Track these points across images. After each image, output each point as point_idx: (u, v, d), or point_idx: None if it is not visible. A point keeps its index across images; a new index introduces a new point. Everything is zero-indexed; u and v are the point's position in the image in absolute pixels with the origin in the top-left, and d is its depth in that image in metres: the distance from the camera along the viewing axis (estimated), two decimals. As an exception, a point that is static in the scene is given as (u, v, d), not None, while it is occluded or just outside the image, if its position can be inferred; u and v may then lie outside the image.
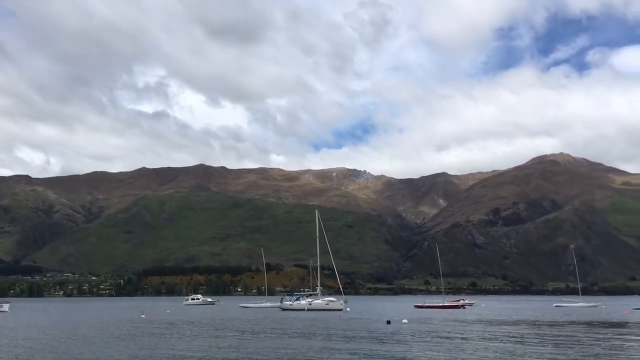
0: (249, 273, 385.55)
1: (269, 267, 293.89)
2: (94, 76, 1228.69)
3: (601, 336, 44.09)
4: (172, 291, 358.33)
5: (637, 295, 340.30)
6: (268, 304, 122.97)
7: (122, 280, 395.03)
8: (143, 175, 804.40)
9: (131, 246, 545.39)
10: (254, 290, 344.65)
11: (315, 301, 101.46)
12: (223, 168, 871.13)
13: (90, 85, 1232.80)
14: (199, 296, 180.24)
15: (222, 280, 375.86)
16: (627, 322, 64.95)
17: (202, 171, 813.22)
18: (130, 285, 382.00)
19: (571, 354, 31.13)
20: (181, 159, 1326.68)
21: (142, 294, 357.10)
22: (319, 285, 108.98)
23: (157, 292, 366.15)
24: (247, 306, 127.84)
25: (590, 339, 41.56)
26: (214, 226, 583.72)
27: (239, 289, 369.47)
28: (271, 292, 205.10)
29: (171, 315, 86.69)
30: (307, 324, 61.24)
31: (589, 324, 62.18)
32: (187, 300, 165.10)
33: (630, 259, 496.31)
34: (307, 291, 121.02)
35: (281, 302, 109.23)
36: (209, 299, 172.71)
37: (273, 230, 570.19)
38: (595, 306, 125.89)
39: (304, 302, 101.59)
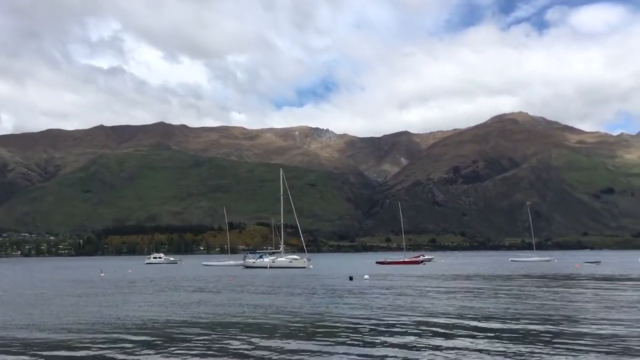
0: (211, 232, 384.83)
1: (232, 226, 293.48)
2: (45, 29, 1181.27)
3: (552, 288, 45.67)
4: (133, 251, 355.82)
5: (589, 250, 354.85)
6: (231, 262, 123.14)
7: (81, 240, 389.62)
8: (100, 133, 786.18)
9: (90, 205, 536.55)
10: (216, 249, 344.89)
11: (279, 259, 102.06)
12: (183, 126, 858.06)
13: (42, 39, 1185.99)
14: (161, 255, 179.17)
15: (184, 240, 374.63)
16: (577, 275, 67.48)
17: (162, 129, 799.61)
18: (90, 245, 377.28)
19: (523, 305, 32.10)
20: (140, 117, 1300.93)
21: (103, 254, 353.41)
22: (282, 243, 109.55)
23: (118, 252, 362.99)
24: (210, 264, 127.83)
25: (542, 291, 43.01)
26: (175, 185, 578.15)
27: (202, 248, 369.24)
28: (234, 251, 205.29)
29: (132, 274, 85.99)
30: (271, 281, 61.64)
31: (542, 277, 64.37)
32: (148, 259, 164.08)
33: (584, 215, 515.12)
34: (270, 249, 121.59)
35: (244, 260, 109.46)
36: (171, 258, 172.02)
37: (235, 189, 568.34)
38: (548, 260, 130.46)
39: (267, 260, 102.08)
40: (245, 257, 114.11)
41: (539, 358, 17.07)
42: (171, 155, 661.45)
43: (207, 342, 20.71)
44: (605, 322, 24.59)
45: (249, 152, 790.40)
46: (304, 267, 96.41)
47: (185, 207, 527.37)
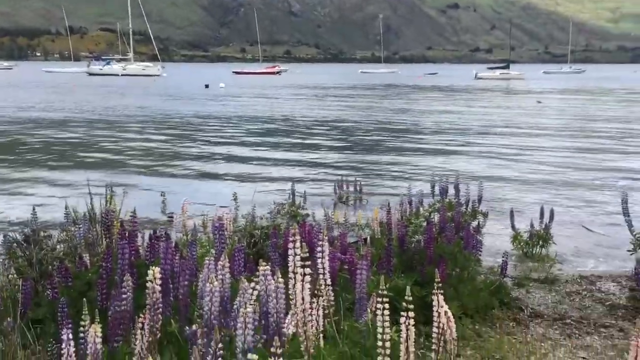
0: (49, 36, 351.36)
1: (72, 30, 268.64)
2: None
3: (395, 94, 49.99)
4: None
5: (432, 63, 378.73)
6: (75, 69, 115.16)
7: None
8: None
9: None
10: (55, 56, 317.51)
11: (130, 66, 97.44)
12: None
13: None
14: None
15: (16, 44, 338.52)
16: (419, 85, 73.52)
17: None
18: None
19: (368, 104, 35.30)
20: None
21: None
22: (131, 51, 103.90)
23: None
24: (52, 71, 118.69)
25: (387, 96, 47.04)
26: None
27: (38, 54, 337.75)
28: (76, 58, 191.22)
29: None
30: (122, 87, 59.80)
31: (388, 86, 69.35)
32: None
33: (430, 29, 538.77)
34: (117, 57, 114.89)
35: (88, 67, 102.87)
36: (5, 64, 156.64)
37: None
38: (393, 72, 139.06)
39: (116, 67, 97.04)
40: (89, 63, 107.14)
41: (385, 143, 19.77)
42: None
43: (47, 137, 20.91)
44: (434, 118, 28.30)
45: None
46: (158, 75, 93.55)
47: (14, 7, 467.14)
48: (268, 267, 2.34)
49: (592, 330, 5.09)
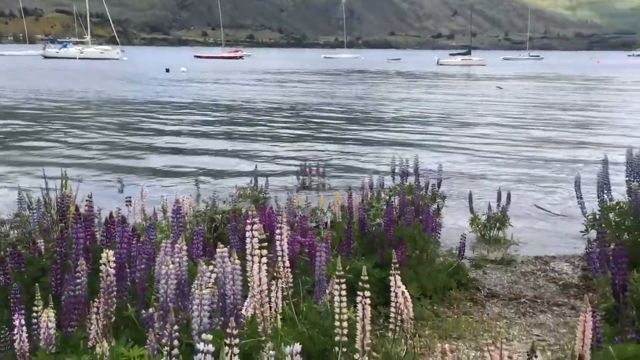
0: (2, 18, 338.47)
1: (27, 12, 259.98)
2: None
3: (359, 79, 50.14)
4: None
5: (395, 49, 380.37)
6: (30, 52, 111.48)
7: None
8: None
9: None
10: (9, 38, 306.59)
11: (87, 49, 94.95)
12: None
13: None
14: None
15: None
16: (382, 71, 73.86)
17: None
18: None
19: (331, 90, 35.35)
20: None
21: None
22: (88, 34, 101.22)
23: None
24: (5, 54, 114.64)
25: (350, 82, 47.14)
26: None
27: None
28: (31, 41, 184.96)
29: None
30: (80, 70, 58.29)
31: (351, 71, 69.45)
32: None
33: (392, 15, 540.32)
34: (73, 40, 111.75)
35: (44, 50, 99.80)
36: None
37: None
38: (356, 57, 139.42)
39: (72, 50, 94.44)
40: (45, 46, 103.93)
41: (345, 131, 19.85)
42: None
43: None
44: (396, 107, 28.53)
45: None
46: (117, 59, 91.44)
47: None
48: (225, 249, 2.34)
49: (545, 309, 5.26)
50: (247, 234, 2.34)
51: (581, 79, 57.32)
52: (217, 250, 2.34)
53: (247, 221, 2.38)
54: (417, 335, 4.56)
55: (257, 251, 2.25)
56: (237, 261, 2.28)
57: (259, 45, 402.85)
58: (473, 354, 4.24)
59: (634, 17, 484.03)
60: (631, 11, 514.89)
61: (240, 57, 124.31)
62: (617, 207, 6.06)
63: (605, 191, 6.17)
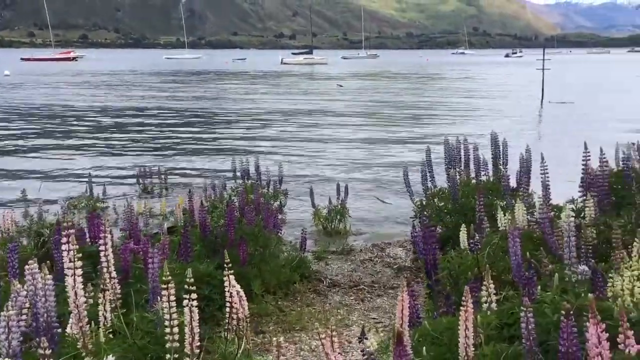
0: None
1: None
2: None
3: (199, 80, 49.45)
4: None
5: (239, 49, 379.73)
6: None
7: None
8: None
9: None
10: None
11: None
12: None
13: None
14: None
15: None
16: (225, 70, 73.41)
17: None
18: None
19: (171, 92, 34.52)
20: None
21: None
22: None
23: None
24: None
25: (190, 83, 46.32)
26: None
27: None
28: None
29: None
30: None
31: (191, 72, 68.25)
32: None
33: (233, 15, 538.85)
34: None
35: None
36: None
37: None
38: (198, 57, 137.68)
39: None
40: None
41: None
42: None
43: None
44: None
45: None
46: None
47: None
48: (35, 264, 2.18)
49: (382, 293, 5.60)
50: (63, 246, 2.21)
51: (416, 76, 61.23)
52: (26, 266, 2.17)
53: (63, 233, 2.24)
54: (263, 332, 4.62)
55: (71, 264, 2.12)
56: (48, 276, 2.14)
57: (94, 45, 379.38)
58: (315, 344, 4.38)
59: (456, 18, 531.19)
60: (452, 13, 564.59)
61: (74, 58, 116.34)
62: (440, 193, 6.61)
63: (429, 179, 6.69)
